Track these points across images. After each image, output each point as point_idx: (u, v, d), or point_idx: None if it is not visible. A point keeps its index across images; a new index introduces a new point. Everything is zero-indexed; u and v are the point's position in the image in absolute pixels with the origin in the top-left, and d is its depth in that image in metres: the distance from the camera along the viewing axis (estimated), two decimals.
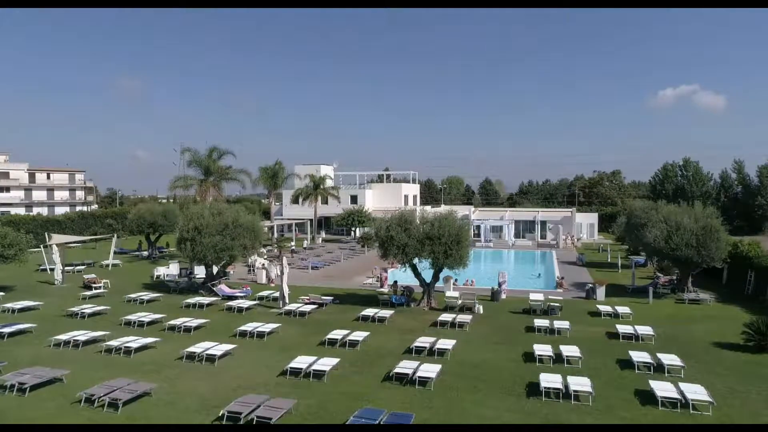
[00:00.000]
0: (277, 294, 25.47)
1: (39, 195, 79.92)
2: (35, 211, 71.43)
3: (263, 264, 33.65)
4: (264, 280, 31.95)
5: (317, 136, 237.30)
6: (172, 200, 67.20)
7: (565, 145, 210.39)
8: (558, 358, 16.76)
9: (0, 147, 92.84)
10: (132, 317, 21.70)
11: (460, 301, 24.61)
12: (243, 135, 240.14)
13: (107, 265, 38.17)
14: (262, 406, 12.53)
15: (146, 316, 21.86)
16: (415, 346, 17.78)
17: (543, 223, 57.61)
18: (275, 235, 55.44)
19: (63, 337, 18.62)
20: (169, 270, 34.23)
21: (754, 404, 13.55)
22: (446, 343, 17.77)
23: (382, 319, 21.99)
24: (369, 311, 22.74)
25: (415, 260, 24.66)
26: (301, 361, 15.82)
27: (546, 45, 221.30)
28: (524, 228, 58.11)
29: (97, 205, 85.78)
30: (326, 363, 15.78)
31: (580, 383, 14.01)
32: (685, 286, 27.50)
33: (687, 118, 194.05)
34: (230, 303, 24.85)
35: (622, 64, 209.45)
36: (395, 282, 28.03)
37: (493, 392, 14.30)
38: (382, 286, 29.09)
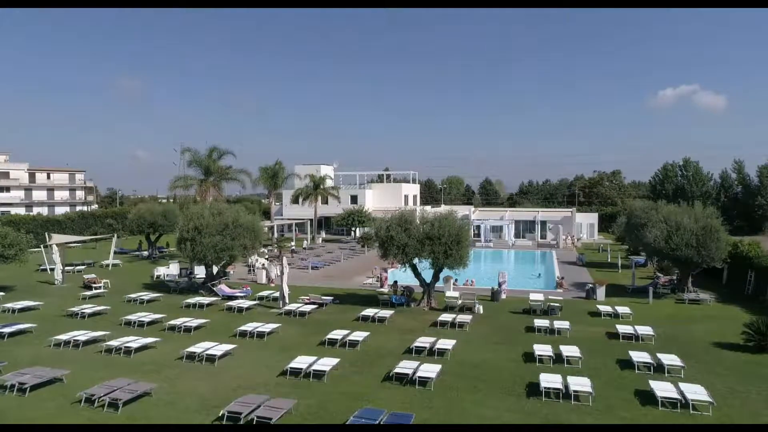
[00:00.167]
0: (277, 294, 25.48)
1: (39, 195, 79.93)
2: (35, 211, 71.44)
3: (263, 264, 33.67)
4: (264, 280, 31.96)
5: (317, 136, 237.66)
6: (172, 200, 67.20)
7: (565, 145, 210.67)
8: (558, 358, 16.76)
9: (0, 147, 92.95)
10: (132, 317, 21.70)
11: (460, 301, 24.61)
12: (243, 135, 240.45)
13: (107, 265, 38.18)
14: (262, 406, 12.53)
15: (146, 316, 21.86)
16: (415, 346, 17.79)
17: (543, 223, 57.61)
18: (275, 235, 55.45)
19: (63, 337, 18.63)
20: (169, 270, 34.24)
21: (754, 404, 13.55)
22: (446, 343, 17.77)
23: (382, 319, 21.99)
24: (369, 311, 22.74)
25: (415, 260, 24.66)
26: (301, 361, 15.83)
27: (546, 45, 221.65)
28: (524, 228, 58.11)
29: (97, 205, 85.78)
30: (326, 363, 15.79)
31: (580, 383, 14.02)
32: (685, 286, 27.50)
33: (687, 118, 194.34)
34: (230, 303, 24.86)
35: (622, 64, 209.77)
36: (395, 282, 28.03)
37: (493, 392, 14.30)
38: (382, 286, 29.10)
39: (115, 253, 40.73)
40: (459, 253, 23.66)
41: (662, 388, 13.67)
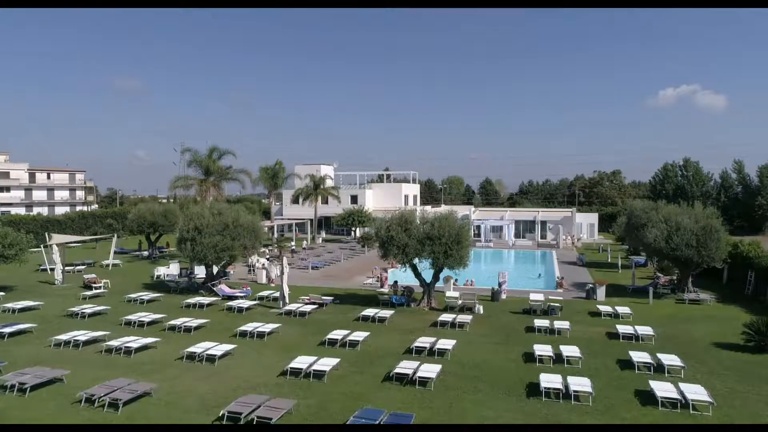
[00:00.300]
0: (277, 294, 25.48)
1: (39, 195, 79.97)
2: (35, 211, 71.49)
3: (263, 264, 33.68)
4: (264, 280, 31.97)
5: (317, 136, 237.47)
6: (172, 200, 67.20)
7: (565, 145, 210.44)
8: (558, 358, 16.76)
9: (0, 147, 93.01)
10: (132, 317, 21.71)
11: (460, 302, 24.61)
12: (243, 135, 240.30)
13: (107, 265, 38.18)
14: (263, 407, 12.54)
15: (146, 316, 21.87)
16: (416, 347, 17.79)
17: (543, 223, 57.62)
18: (275, 235, 55.47)
19: (63, 337, 18.63)
20: (170, 270, 34.25)
21: (754, 404, 13.55)
22: (446, 344, 17.77)
23: (382, 319, 22.00)
24: (369, 311, 22.75)
25: (415, 260, 24.66)
26: (301, 362, 15.83)
27: (546, 45, 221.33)
28: (524, 228, 58.13)
29: (97, 205, 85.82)
30: (326, 363, 15.79)
31: (580, 383, 14.02)
32: (685, 287, 27.50)
33: (687, 118, 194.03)
34: (230, 303, 24.86)
35: (623, 64, 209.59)
36: (395, 282, 28.05)
37: (493, 392, 14.30)
38: (382, 286, 29.11)
39: (115, 253, 40.75)
40: (459, 253, 23.66)
41: (662, 389, 13.67)
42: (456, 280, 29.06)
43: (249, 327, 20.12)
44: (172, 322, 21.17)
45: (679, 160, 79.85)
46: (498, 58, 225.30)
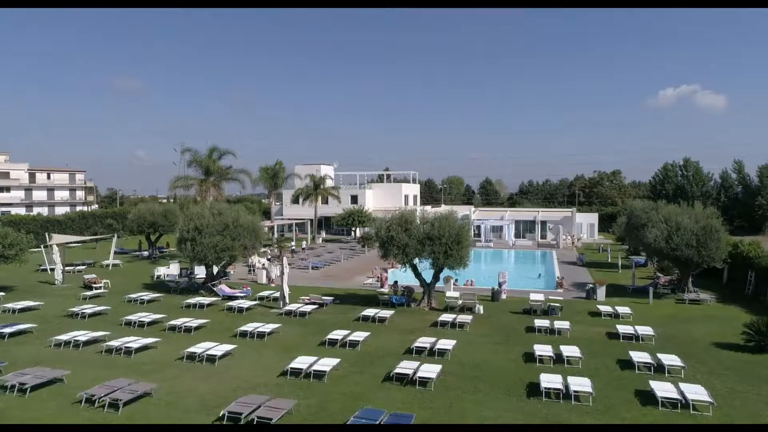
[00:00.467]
0: (277, 294, 25.49)
1: (39, 195, 79.98)
2: (35, 211, 71.49)
3: (263, 264, 33.68)
4: (264, 280, 31.97)
5: (317, 136, 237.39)
6: (172, 200, 67.21)
7: (565, 145, 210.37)
8: (558, 358, 16.76)
9: (0, 147, 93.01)
10: (132, 317, 21.71)
11: (460, 302, 24.62)
12: (243, 135, 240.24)
13: (107, 265, 38.19)
14: (263, 407, 12.54)
15: (146, 317, 21.87)
16: (416, 347, 17.79)
17: (543, 223, 57.64)
18: (275, 235, 55.47)
19: (63, 337, 18.64)
20: (170, 270, 34.26)
21: (755, 404, 13.56)
22: (446, 344, 17.77)
23: (382, 320, 22.00)
24: (369, 311, 22.75)
25: (416, 260, 24.67)
26: (301, 362, 15.83)
27: (546, 44, 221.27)
28: (524, 228, 58.14)
29: (97, 205, 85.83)
30: (326, 363, 15.79)
31: (581, 383, 14.03)
32: (685, 287, 27.50)
33: (687, 118, 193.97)
34: (230, 303, 24.86)
35: (622, 64, 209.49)
36: (395, 282, 28.05)
37: (493, 392, 14.31)
38: (382, 286, 29.11)
39: (115, 253, 40.76)
40: (459, 253, 23.67)
41: (662, 389, 13.67)
42: (456, 280, 29.07)
43: (249, 327, 20.13)
44: (173, 322, 21.17)
45: (679, 160, 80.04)
46: (498, 58, 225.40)
